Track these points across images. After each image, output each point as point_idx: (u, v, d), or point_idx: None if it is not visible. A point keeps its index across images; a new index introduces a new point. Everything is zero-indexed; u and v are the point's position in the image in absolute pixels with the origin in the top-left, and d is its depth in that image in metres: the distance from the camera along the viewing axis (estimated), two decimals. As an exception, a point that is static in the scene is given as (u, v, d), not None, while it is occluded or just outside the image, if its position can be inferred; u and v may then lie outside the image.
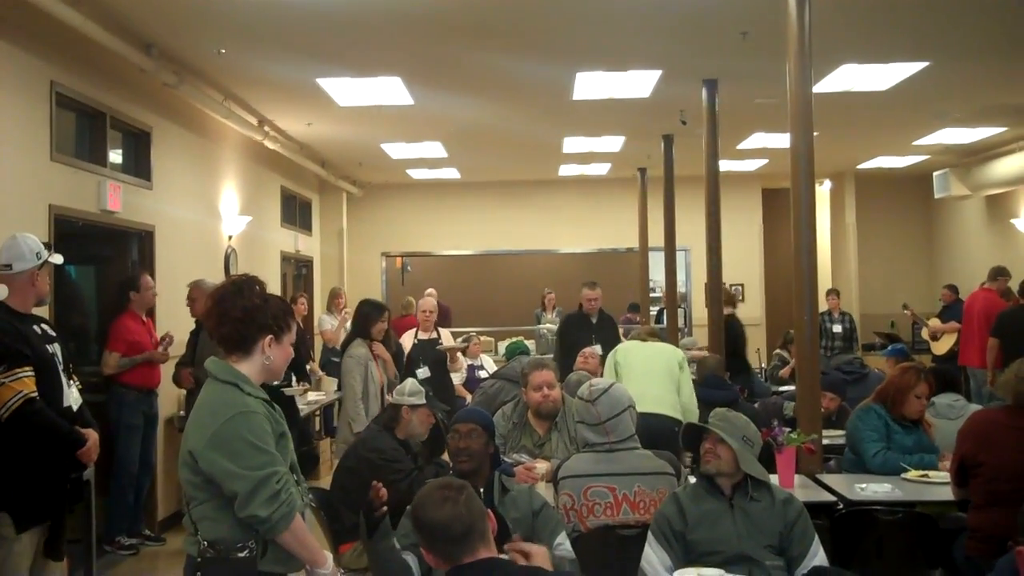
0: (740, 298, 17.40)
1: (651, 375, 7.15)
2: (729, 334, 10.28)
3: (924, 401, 6.16)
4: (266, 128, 11.71)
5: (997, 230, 15.41)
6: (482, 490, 4.23)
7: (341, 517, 5.58)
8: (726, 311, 10.43)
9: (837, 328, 14.17)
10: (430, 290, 14.99)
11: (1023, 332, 10.38)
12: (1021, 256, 14.10)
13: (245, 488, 3.18)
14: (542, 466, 5.60)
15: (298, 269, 15.55)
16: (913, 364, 6.48)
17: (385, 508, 3.71)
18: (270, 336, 3.41)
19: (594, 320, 9.85)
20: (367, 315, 7.93)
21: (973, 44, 8.75)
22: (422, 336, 9.57)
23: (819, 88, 9.35)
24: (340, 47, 8.62)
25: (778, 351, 12.61)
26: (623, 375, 7.07)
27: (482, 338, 13.58)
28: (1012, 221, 14.51)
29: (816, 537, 4.14)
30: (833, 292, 14.89)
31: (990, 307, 11.46)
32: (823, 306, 18.07)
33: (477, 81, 10.05)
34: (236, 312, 3.40)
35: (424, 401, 5.78)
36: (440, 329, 9.77)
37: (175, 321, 8.68)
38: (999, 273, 11.91)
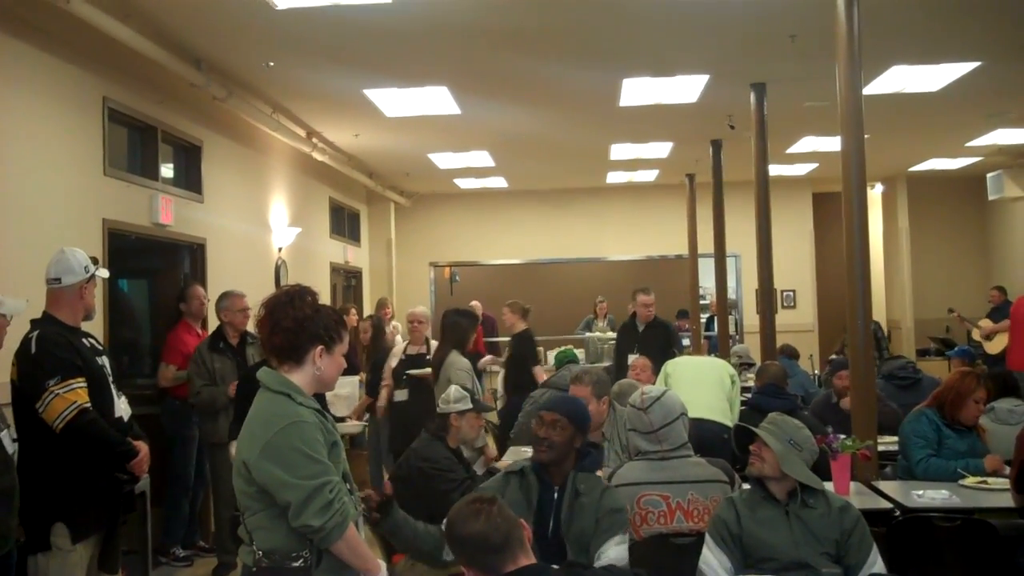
0: (791, 303, 17.31)
1: (701, 384, 7.10)
2: (518, 349, 9.90)
3: (982, 406, 6.08)
4: (314, 140, 11.79)
5: (1053, 231, 15.17)
6: (556, 488, 4.22)
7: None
8: (520, 326, 10.18)
9: (686, 342, 13.83)
10: (474, 302, 15.02)
11: None
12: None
13: (298, 498, 3.18)
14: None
15: (347, 280, 15.64)
16: (973, 369, 6.39)
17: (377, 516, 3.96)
18: (321, 347, 3.41)
19: (641, 328, 9.66)
20: (462, 325, 7.90)
21: (1025, 42, 8.63)
22: (411, 350, 8.65)
23: (869, 90, 9.28)
24: (386, 58, 8.66)
25: (833, 357, 12.48)
26: (673, 384, 7.02)
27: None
28: (1068, 222, 14.28)
29: (874, 546, 4.09)
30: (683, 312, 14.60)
31: None
32: (880, 311, 17.91)
33: (523, 89, 10.06)
34: (287, 322, 3.41)
35: (471, 406, 5.76)
36: (432, 341, 8.64)
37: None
38: None
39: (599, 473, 5.52)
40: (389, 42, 8.15)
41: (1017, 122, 12.17)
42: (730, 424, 6.75)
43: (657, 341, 9.43)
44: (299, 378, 3.40)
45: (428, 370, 7.91)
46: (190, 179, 9.17)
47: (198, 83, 8.25)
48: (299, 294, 3.48)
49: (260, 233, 10.95)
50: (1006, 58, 9.11)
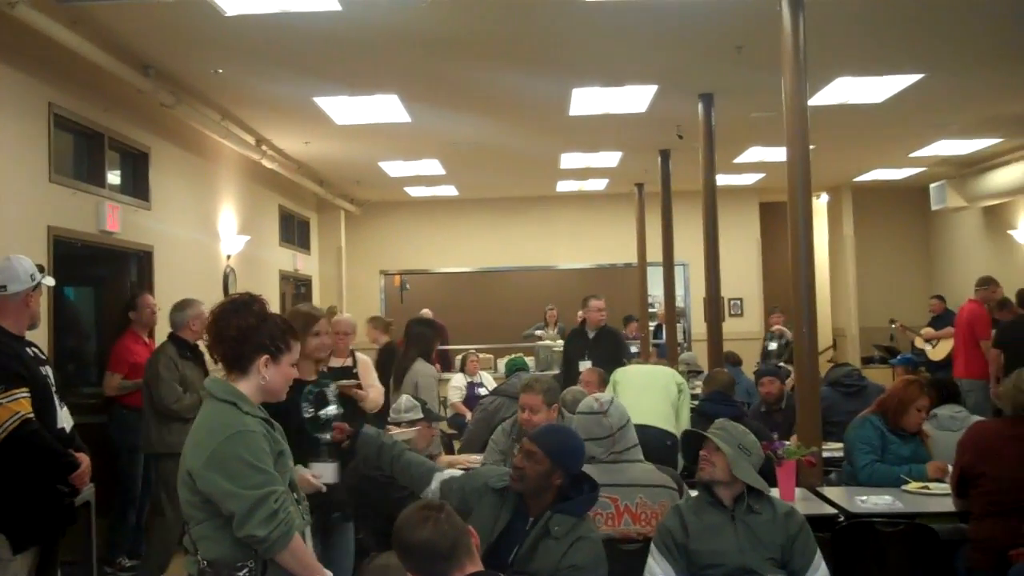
0: (739, 312, 17.48)
1: (648, 390, 7.14)
2: (385, 359, 9.76)
3: (924, 414, 6.20)
4: (263, 147, 11.73)
5: (995, 241, 15.42)
6: (532, 518, 4.01)
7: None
8: (383, 339, 10.05)
9: (772, 345, 13.95)
10: (425, 310, 15.01)
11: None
12: (1019, 266, 14.11)
13: (243, 508, 3.16)
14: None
15: (297, 288, 15.57)
16: (916, 378, 6.49)
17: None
18: (266, 356, 3.39)
19: (591, 335, 9.56)
20: (427, 336, 7.93)
21: (968, 55, 8.79)
22: (334, 363, 8.22)
23: (815, 101, 9.40)
24: (336, 66, 8.65)
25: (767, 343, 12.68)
26: (620, 392, 7.06)
27: (481, 355, 13.57)
28: (1010, 232, 14.52)
29: (818, 551, 4.15)
30: (776, 310, 14.70)
31: (974, 318, 11.45)
32: (826, 320, 18.11)
33: (474, 98, 10.08)
34: (231, 331, 3.40)
35: (421, 415, 5.77)
36: (357, 354, 7.50)
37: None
38: (985, 283, 11.90)
39: None
40: (339, 50, 8.14)
41: (959, 133, 12.37)
42: (674, 431, 6.81)
43: (607, 348, 9.40)
44: (245, 387, 3.38)
45: (355, 382, 7.65)
46: (137, 186, 9.09)
47: (146, 89, 8.19)
48: (245, 303, 3.47)
49: (208, 241, 10.87)
50: (948, 71, 9.27)
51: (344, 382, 6.78)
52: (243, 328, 3.39)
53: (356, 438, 4.34)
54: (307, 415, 4.58)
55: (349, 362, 7.77)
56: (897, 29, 8.04)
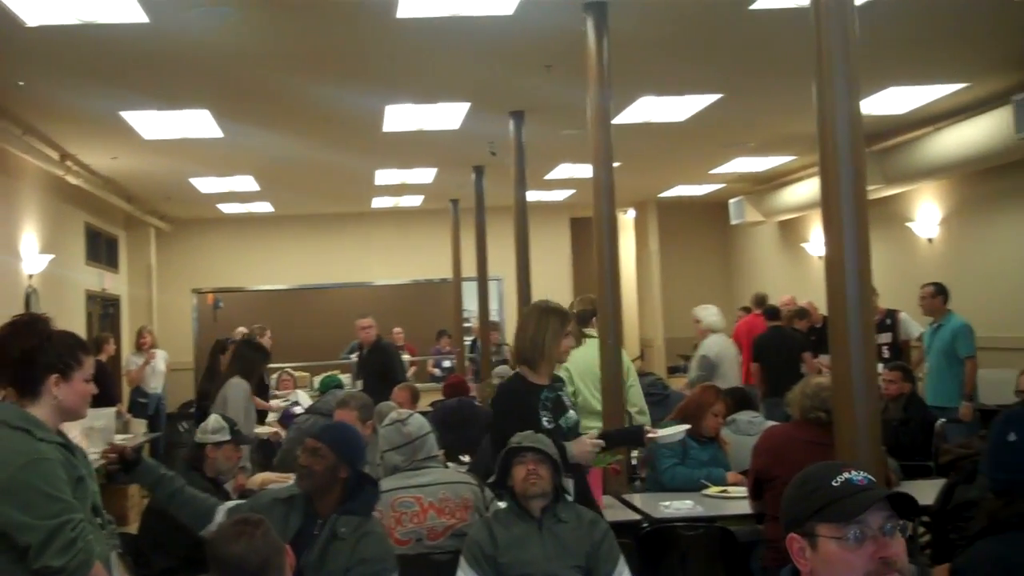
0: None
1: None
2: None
3: (720, 419, 6.50)
4: (68, 162, 11.34)
5: (790, 254, 16.18)
6: (320, 521, 4.07)
7: (150, 562, 5.45)
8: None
9: (447, 364, 14.01)
10: (240, 328, 14.76)
11: (778, 354, 10.91)
12: (812, 278, 14.78)
13: (38, 539, 3.07)
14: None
15: (105, 308, 15.07)
16: (712, 384, 6.80)
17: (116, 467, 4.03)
18: (56, 375, 3.31)
19: (365, 352, 10.07)
20: (249, 357, 7.86)
21: (761, 77, 9.19)
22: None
23: (619, 120, 9.70)
24: (144, 79, 8.46)
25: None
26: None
27: (298, 373, 13.45)
28: (803, 245, 15.26)
29: (621, 556, 4.30)
30: (444, 333, 14.63)
31: (752, 331, 12.01)
32: (633, 330, 18.60)
33: (287, 114, 10.01)
34: (15, 353, 3.30)
35: (228, 437, 5.69)
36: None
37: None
38: (761, 301, 12.60)
39: None
40: (147, 63, 7.96)
41: (755, 151, 12.94)
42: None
43: (377, 364, 9.61)
44: (40, 411, 3.29)
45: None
46: (-71, 203, 8.69)
47: (-62, 102, 7.86)
48: (26, 323, 3.38)
49: (8, 260, 10.44)
50: (744, 91, 9.69)
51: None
52: (27, 349, 3.30)
53: (135, 466, 4.13)
54: (548, 426, 4.53)
55: None
56: (695, 51, 8.38)
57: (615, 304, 6.93)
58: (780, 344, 11.08)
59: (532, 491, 4.25)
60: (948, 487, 4.79)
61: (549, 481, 4.27)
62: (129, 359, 12.98)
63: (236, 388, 7.70)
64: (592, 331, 7.04)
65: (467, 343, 16.03)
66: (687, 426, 5.76)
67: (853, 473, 2.36)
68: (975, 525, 3.53)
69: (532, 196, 12.25)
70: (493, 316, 16.44)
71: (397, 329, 16.03)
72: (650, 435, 5.41)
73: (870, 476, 2.36)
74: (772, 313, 11.94)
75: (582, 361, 6.88)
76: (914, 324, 10.33)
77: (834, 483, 2.34)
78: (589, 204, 7.17)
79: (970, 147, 10.23)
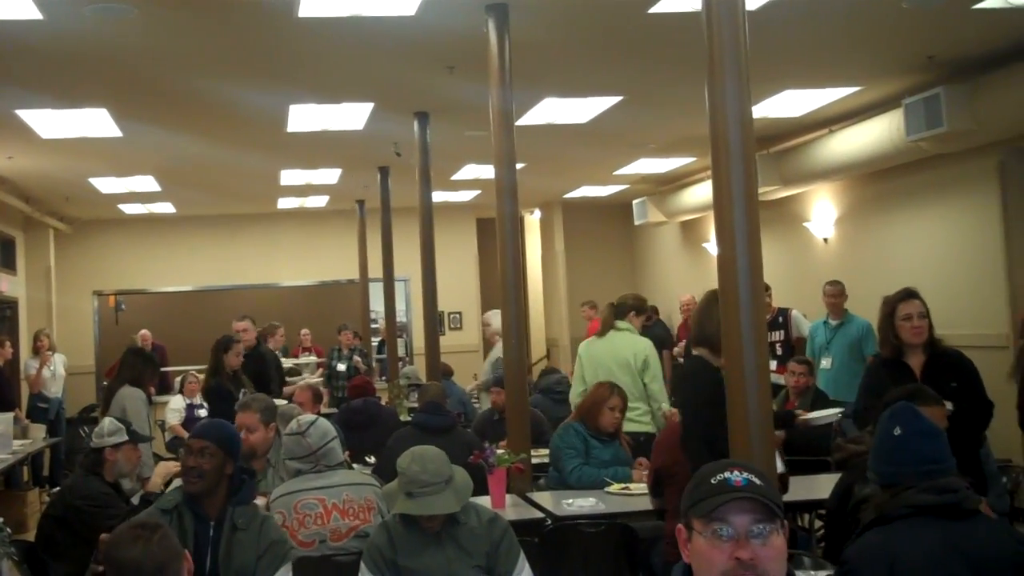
0: (458, 325, 17.86)
1: (603, 367, 7.24)
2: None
3: (618, 414, 6.57)
4: (-40, 162, 11.06)
5: (691, 253, 16.41)
6: (213, 522, 4.11)
7: (48, 569, 5.36)
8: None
9: (341, 367, 13.87)
10: (143, 331, 14.56)
11: None
12: (713, 277, 14.93)
13: None
14: (259, 502, 5.58)
15: (1, 311, 14.70)
16: (607, 380, 6.87)
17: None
18: None
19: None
20: (137, 365, 7.79)
21: (660, 79, 9.30)
22: None
23: (523, 121, 9.74)
24: (40, 77, 8.25)
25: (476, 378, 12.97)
26: (585, 368, 7.21)
27: (201, 376, 13.27)
28: (704, 245, 15.49)
29: (522, 554, 4.34)
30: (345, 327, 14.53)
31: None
32: (540, 331, 18.73)
33: (188, 113, 9.85)
34: None
35: (127, 438, 5.63)
36: None
37: None
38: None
39: (259, 500, 5.55)
40: (42, 61, 7.78)
41: (657, 152, 13.07)
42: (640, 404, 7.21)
43: (249, 368, 9.53)
44: None
45: None
46: None
47: None
48: None
49: None
50: (645, 93, 9.79)
51: None
52: None
53: None
54: None
55: None
56: (596, 53, 8.44)
57: (519, 305, 6.99)
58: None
59: (429, 531, 4.25)
60: (846, 486, 4.89)
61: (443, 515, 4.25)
62: (27, 363, 12.70)
63: (132, 396, 7.63)
64: (624, 324, 7.13)
65: (375, 344, 15.98)
66: (839, 410, 5.86)
67: (734, 473, 2.43)
68: (865, 517, 3.64)
69: (438, 197, 12.28)
70: (400, 317, 16.43)
71: (304, 331, 15.91)
72: (803, 417, 5.53)
73: (756, 477, 2.43)
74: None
75: (599, 352, 7.30)
76: (805, 322, 10.58)
77: (712, 480, 2.42)
78: (494, 204, 7.22)
79: (863, 149, 10.49)
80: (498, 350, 9.97)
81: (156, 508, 4.24)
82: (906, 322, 5.64)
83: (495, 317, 10.30)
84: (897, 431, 3.59)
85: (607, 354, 7.34)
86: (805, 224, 12.88)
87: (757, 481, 2.41)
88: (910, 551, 3.31)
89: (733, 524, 2.37)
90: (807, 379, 8.43)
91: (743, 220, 4.32)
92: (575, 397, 7.44)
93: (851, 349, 9.51)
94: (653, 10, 7.17)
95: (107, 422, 5.69)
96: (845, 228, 12.35)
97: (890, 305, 5.74)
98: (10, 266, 15.14)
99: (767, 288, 9.46)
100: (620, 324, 7.24)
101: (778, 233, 12.78)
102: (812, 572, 4.41)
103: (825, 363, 9.69)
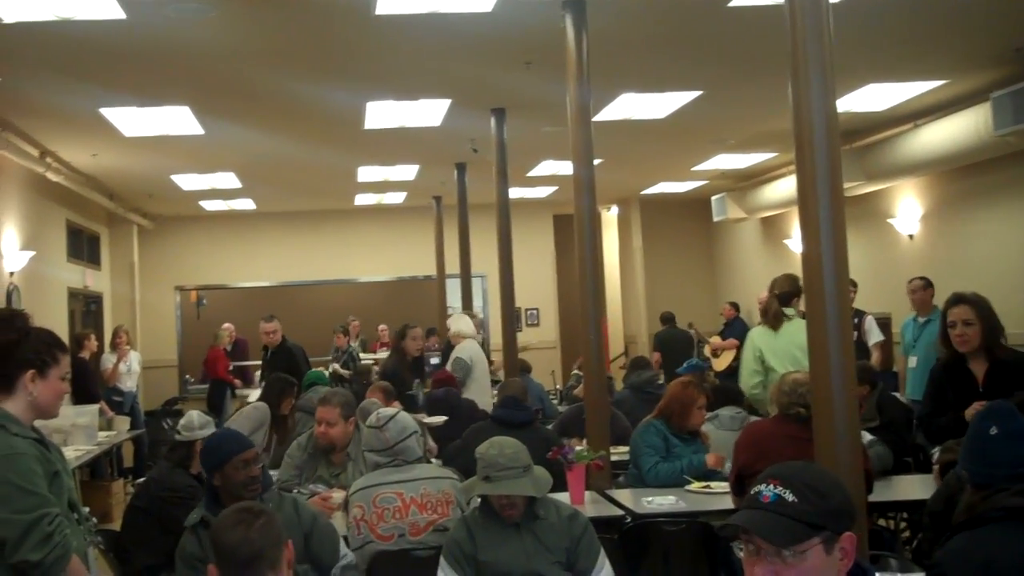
0: (535, 321, 17.83)
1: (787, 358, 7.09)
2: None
3: (704, 412, 6.49)
4: (48, 159, 11.29)
5: (772, 250, 16.21)
6: None
7: (132, 558, 5.45)
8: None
9: (435, 360, 13.84)
10: (227, 324, 14.80)
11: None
12: (794, 273, 14.81)
13: (14, 533, 3.08)
14: (338, 495, 5.62)
15: (87, 305, 15.01)
16: (691, 379, 6.78)
17: None
18: (32, 371, 3.32)
19: (270, 353, 10.34)
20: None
21: (740, 74, 9.20)
22: None
23: (600, 117, 9.72)
24: (123, 76, 8.43)
25: (575, 371, 12.88)
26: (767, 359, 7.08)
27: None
28: (785, 241, 15.29)
29: (602, 550, 4.31)
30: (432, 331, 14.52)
31: None
32: (617, 327, 18.63)
33: (268, 110, 9.98)
34: None
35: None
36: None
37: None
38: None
39: (339, 493, 5.59)
40: (125, 60, 7.93)
41: (736, 148, 12.96)
42: None
43: (282, 365, 9.62)
44: (13, 407, 3.29)
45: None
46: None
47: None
48: (4, 319, 3.37)
49: (-11, 257, 10.42)
50: (723, 88, 9.70)
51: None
52: (4, 344, 3.30)
53: None
54: None
55: None
56: (675, 48, 8.39)
57: (597, 301, 6.96)
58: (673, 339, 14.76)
59: (508, 520, 4.28)
60: (954, 490, 4.73)
61: (523, 503, 4.28)
62: (105, 357, 12.96)
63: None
64: (791, 311, 7.03)
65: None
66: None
67: (767, 486, 2.36)
68: (955, 519, 3.54)
69: (515, 193, 12.28)
70: (478, 313, 16.44)
71: (382, 326, 16.01)
72: None
73: (786, 494, 2.33)
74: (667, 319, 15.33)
75: (780, 342, 6.99)
76: (877, 330, 10.31)
77: (753, 490, 2.36)
78: (572, 201, 7.18)
79: (949, 144, 10.27)
80: (458, 350, 10.06)
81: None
82: (951, 329, 5.48)
83: (456, 322, 10.52)
84: (993, 430, 3.49)
85: (790, 342, 7.16)
86: (890, 220, 12.64)
87: (789, 497, 2.32)
88: (1004, 555, 3.21)
89: (755, 541, 2.31)
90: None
91: (828, 216, 4.23)
92: (751, 389, 7.23)
93: (936, 347, 9.23)
94: (733, 3, 7.10)
95: (195, 415, 5.76)
96: (931, 224, 12.10)
97: (943, 309, 5.59)
98: (95, 261, 15.47)
99: (853, 285, 9.31)
100: (788, 311, 7.09)
101: (862, 229, 12.55)
102: (898, 575, 4.29)
103: (912, 361, 9.43)
